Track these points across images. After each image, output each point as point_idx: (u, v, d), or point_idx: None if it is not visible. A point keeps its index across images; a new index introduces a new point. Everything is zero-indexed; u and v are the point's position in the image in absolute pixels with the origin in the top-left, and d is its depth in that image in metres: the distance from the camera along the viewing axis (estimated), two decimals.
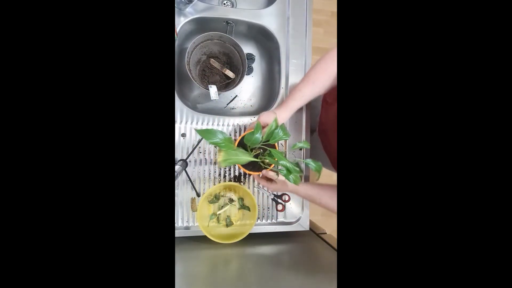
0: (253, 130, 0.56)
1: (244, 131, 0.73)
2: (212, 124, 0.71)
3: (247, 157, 0.55)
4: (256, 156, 0.58)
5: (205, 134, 0.54)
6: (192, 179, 0.69)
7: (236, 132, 0.73)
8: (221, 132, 0.55)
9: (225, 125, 0.72)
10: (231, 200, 0.71)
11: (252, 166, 0.59)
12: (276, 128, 0.57)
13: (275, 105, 0.76)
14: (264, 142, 0.56)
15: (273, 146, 0.59)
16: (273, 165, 0.58)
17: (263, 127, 0.58)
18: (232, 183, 0.70)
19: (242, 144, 0.58)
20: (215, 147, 0.71)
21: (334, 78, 0.56)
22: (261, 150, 0.59)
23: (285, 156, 0.70)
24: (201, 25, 0.76)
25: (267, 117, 0.58)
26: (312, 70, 0.58)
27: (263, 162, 0.58)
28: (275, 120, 0.57)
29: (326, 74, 0.56)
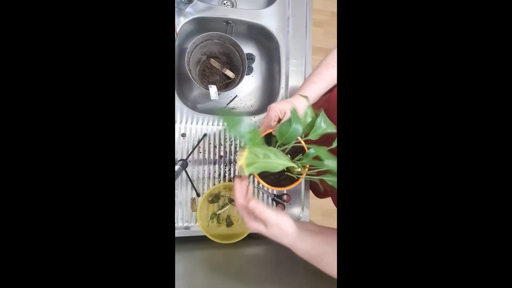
0: (271, 130, 0.44)
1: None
2: (212, 124, 0.71)
3: (283, 162, 0.37)
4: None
5: (230, 121, 0.38)
6: (192, 179, 0.69)
7: None
8: (249, 125, 0.41)
9: (225, 125, 0.72)
10: (231, 200, 0.71)
11: (279, 176, 0.44)
12: (313, 119, 0.42)
13: None
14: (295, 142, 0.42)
15: (302, 148, 0.45)
16: (304, 174, 0.43)
17: (279, 120, 0.45)
18: (232, 183, 0.70)
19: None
20: (215, 146, 0.71)
21: None
22: (288, 155, 0.43)
23: None
24: (201, 25, 0.76)
25: (282, 106, 0.45)
26: (330, 55, 0.52)
27: (296, 169, 0.43)
28: (310, 108, 0.43)
29: None
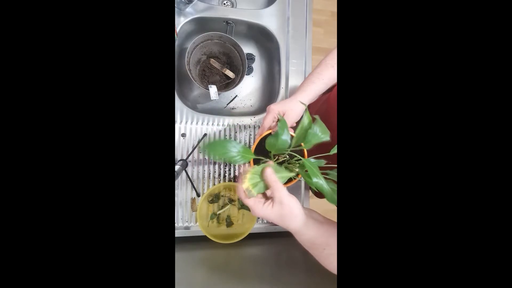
0: (271, 131, 0.45)
1: (244, 130, 0.73)
2: (212, 124, 0.71)
3: (284, 174, 0.40)
4: (280, 164, 0.43)
5: (213, 148, 0.38)
6: (192, 179, 0.69)
7: (236, 132, 0.73)
8: (234, 143, 0.39)
9: (225, 125, 0.72)
10: (231, 200, 0.71)
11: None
12: (309, 125, 0.40)
13: None
14: (294, 147, 0.42)
15: (302, 152, 0.45)
16: (296, 180, 0.45)
17: (277, 120, 0.46)
18: (232, 183, 0.70)
19: (261, 151, 0.44)
20: None
21: None
22: (287, 156, 0.44)
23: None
24: (201, 25, 0.76)
25: (281, 107, 0.47)
26: (330, 56, 0.52)
27: (289, 169, 0.43)
28: (307, 113, 0.41)
29: None
